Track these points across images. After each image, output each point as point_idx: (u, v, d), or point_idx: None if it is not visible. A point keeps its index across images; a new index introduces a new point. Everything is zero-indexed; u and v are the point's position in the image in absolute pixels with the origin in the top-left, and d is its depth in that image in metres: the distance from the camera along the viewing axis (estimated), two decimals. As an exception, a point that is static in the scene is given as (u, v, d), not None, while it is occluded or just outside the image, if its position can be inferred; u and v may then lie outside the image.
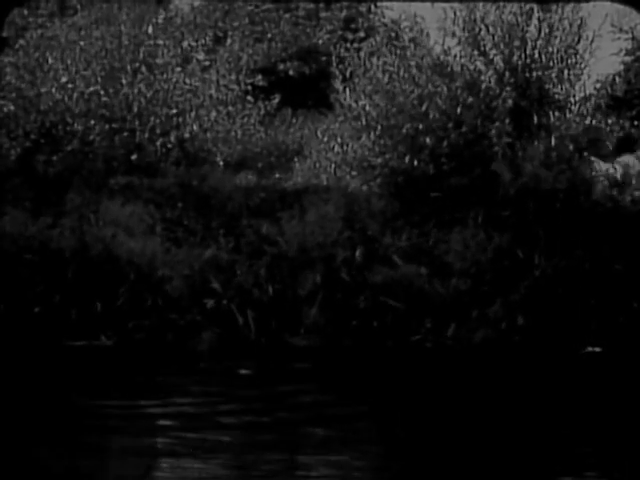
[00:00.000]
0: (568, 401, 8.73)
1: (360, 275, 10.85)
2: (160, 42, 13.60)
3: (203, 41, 14.31)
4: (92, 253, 10.93)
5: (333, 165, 13.70)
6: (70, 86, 12.96)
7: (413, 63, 12.43)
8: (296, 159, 14.56)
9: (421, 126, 11.92)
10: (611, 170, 11.76)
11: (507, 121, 11.94)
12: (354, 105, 12.82)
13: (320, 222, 11.17)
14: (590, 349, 10.21)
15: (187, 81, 13.48)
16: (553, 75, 12.33)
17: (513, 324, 10.45)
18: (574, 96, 12.53)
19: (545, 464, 7.13)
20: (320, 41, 18.38)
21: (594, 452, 7.48)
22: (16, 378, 9.04)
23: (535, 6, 12.25)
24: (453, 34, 12.29)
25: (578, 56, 12.41)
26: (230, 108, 14.09)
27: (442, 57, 12.34)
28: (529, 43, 12.24)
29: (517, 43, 12.21)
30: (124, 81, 13.06)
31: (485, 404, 8.62)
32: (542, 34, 12.27)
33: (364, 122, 12.56)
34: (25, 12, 15.87)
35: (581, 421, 8.21)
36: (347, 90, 13.18)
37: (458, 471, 6.96)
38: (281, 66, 18.10)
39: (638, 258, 10.83)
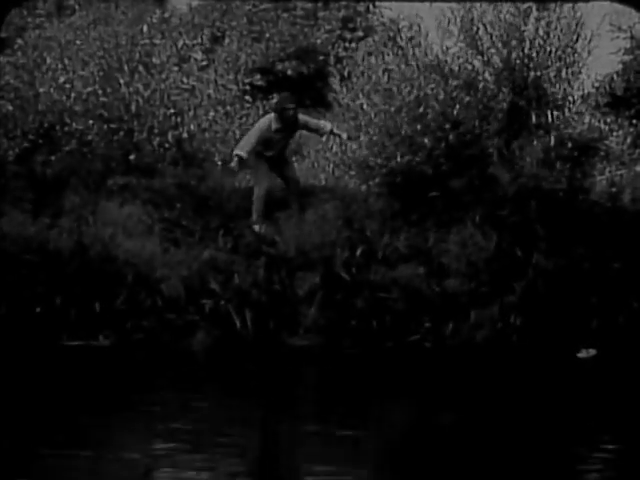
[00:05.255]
0: (566, 401, 8.73)
1: (359, 275, 10.84)
2: (157, 42, 13.61)
3: (199, 40, 14.32)
4: (90, 253, 10.93)
5: (331, 165, 13.73)
6: (68, 86, 12.96)
7: (411, 63, 12.42)
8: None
9: (419, 126, 11.92)
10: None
11: (505, 121, 11.94)
12: (352, 105, 12.82)
13: (318, 222, 11.16)
14: (584, 351, 10.22)
15: (184, 80, 13.49)
16: (551, 74, 12.32)
17: (512, 324, 10.45)
18: (572, 95, 12.52)
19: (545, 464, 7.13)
20: (318, 41, 18.39)
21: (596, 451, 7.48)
22: (16, 378, 9.05)
23: (533, 5, 12.25)
24: (451, 33, 12.28)
25: (576, 55, 12.39)
26: (228, 108, 14.10)
27: (440, 56, 12.33)
28: (527, 42, 12.22)
29: (515, 42, 12.19)
30: (122, 81, 13.06)
31: (484, 403, 8.62)
32: (540, 33, 12.25)
33: (362, 122, 12.56)
34: (23, 12, 15.89)
35: (581, 422, 8.22)
36: (345, 90, 13.18)
37: (455, 471, 6.95)
38: (279, 66, 18.11)
39: (637, 257, 10.83)
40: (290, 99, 11.64)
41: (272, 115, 11.56)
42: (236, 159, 11.42)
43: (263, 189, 11.49)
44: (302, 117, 11.73)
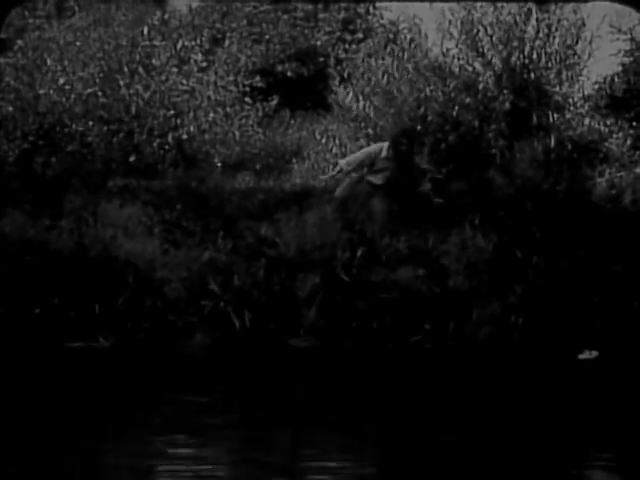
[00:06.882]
0: (565, 403, 8.73)
1: (359, 276, 10.85)
2: (157, 43, 13.61)
3: (199, 41, 14.32)
4: (91, 255, 10.93)
5: (331, 166, 13.70)
6: (68, 88, 12.96)
7: (411, 64, 12.43)
8: (294, 160, 14.57)
9: (419, 127, 11.93)
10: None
11: (505, 122, 11.95)
12: (352, 106, 12.82)
13: (319, 224, 11.17)
14: (587, 352, 10.21)
15: (184, 82, 13.49)
16: (552, 76, 12.34)
17: (513, 325, 10.45)
18: (573, 97, 12.54)
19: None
20: (318, 42, 18.39)
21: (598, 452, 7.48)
22: (16, 380, 9.05)
23: (533, 7, 12.26)
24: (451, 35, 12.30)
25: (577, 57, 12.42)
26: (228, 109, 14.10)
27: (440, 58, 12.34)
28: (527, 44, 12.24)
29: (515, 44, 12.21)
30: (122, 82, 13.06)
31: (484, 404, 8.61)
32: (541, 35, 12.28)
33: (362, 123, 12.57)
34: (24, 14, 15.88)
35: (582, 423, 8.21)
36: (345, 91, 13.19)
37: (454, 471, 6.95)
38: (279, 67, 18.09)
39: (638, 259, 10.84)
40: (406, 134, 11.55)
41: (387, 143, 11.56)
42: (337, 168, 11.75)
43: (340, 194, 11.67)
44: (422, 164, 11.62)
